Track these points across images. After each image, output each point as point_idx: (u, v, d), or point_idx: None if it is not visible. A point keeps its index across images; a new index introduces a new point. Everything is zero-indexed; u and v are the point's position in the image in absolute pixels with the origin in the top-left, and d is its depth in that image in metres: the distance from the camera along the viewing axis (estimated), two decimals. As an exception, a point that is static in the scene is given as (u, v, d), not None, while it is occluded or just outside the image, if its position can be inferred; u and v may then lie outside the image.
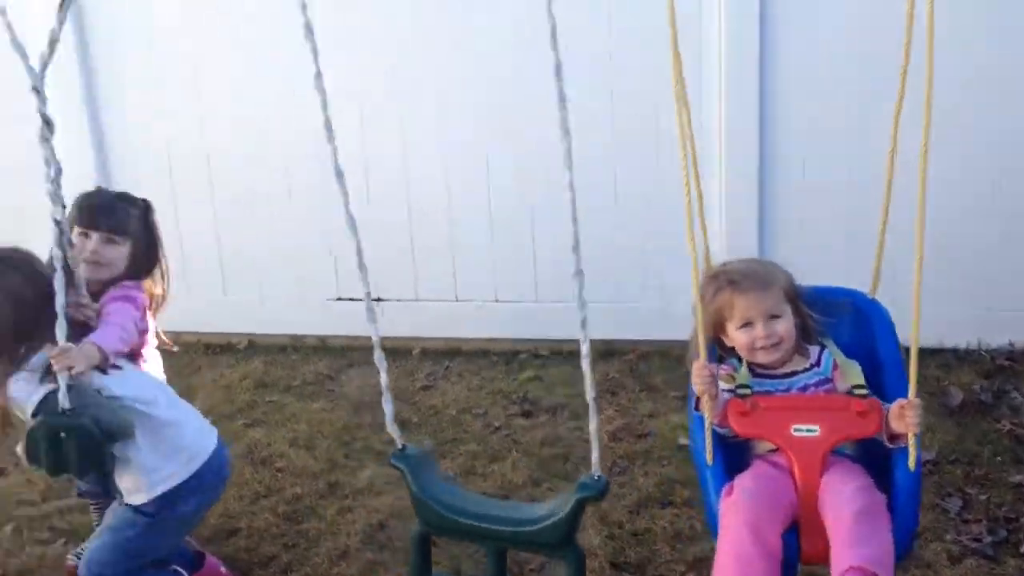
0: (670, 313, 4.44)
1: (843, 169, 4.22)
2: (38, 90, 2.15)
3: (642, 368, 4.38)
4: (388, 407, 2.27)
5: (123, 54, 4.74)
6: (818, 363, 2.39)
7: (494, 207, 4.59)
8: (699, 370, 2.21)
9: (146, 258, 2.79)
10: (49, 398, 2.29)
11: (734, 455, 2.32)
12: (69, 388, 2.26)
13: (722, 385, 2.33)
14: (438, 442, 3.78)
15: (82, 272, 2.59)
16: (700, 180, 2.41)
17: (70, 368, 2.25)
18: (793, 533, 2.13)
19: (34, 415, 2.30)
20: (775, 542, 2.05)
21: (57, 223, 2.28)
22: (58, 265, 2.28)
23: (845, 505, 2.04)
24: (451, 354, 4.67)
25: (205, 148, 4.78)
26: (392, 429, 2.30)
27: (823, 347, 2.43)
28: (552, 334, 4.67)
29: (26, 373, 2.32)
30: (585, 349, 2.13)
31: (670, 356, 4.33)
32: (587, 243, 4.51)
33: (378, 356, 2.27)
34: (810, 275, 2.55)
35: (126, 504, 2.54)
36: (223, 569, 2.90)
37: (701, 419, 2.25)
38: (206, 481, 2.59)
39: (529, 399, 4.16)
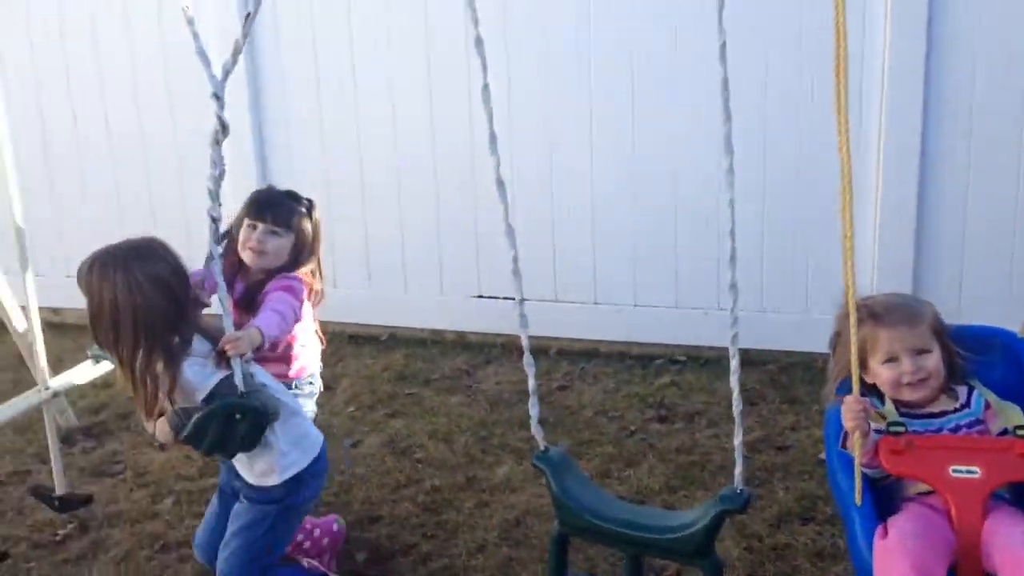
0: (813, 323, 4.35)
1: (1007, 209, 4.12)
2: (218, 96, 2.25)
3: (783, 379, 4.30)
4: (534, 411, 2.29)
5: (289, 63, 4.94)
6: (968, 403, 2.27)
7: (639, 212, 4.58)
8: (852, 404, 2.10)
9: (307, 252, 2.95)
10: (224, 382, 2.42)
11: (881, 496, 2.22)
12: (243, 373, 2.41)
13: (871, 424, 2.21)
14: (574, 443, 3.80)
15: (247, 260, 2.76)
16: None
17: (242, 354, 2.38)
18: None
19: (208, 399, 2.43)
20: None
21: (214, 220, 2.37)
22: (216, 255, 2.40)
23: (1022, 548, 1.94)
24: (588, 355, 4.69)
25: (359, 152, 4.93)
26: (536, 431, 2.33)
27: (971, 387, 2.31)
28: (690, 340, 4.65)
29: (199, 359, 2.45)
30: (735, 364, 2.09)
31: (813, 368, 4.24)
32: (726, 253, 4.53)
33: (527, 360, 2.29)
34: (965, 314, 2.49)
35: (254, 493, 2.59)
36: None
37: (844, 458, 2.16)
38: (319, 468, 2.69)
39: (666, 404, 4.15)
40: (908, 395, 2.27)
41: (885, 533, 2.05)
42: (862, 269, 4.35)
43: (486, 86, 2.18)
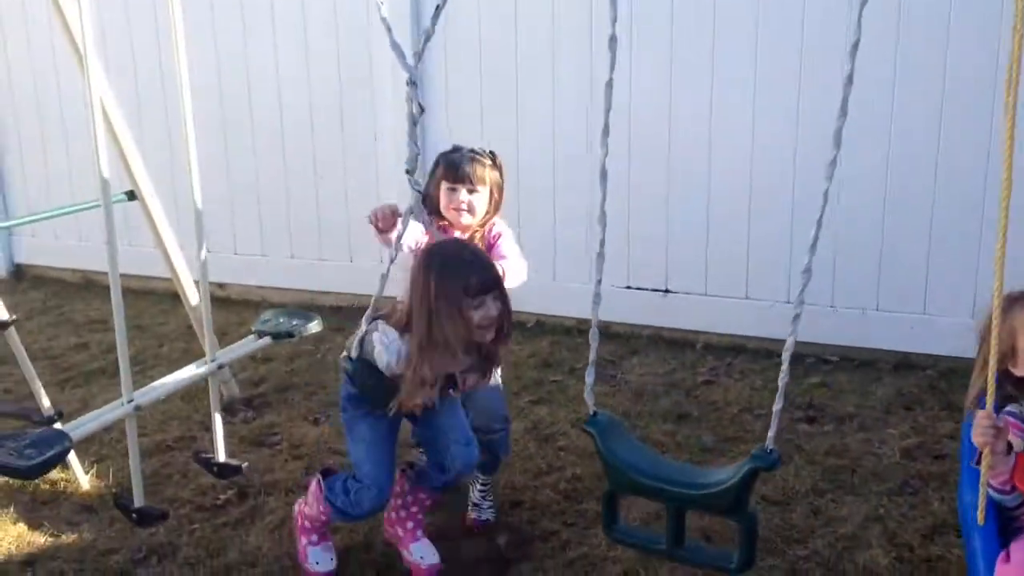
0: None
1: None
2: (415, 82, 2.39)
3: (943, 385, 4.12)
4: (590, 378, 2.39)
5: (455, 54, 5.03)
6: None
7: (795, 208, 4.47)
8: (981, 420, 1.99)
9: (498, 201, 3.16)
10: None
11: (1008, 519, 2.12)
12: None
13: (1013, 440, 2.09)
14: (718, 439, 3.76)
15: (452, 220, 3.08)
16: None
17: None
18: None
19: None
20: None
21: (420, 193, 2.57)
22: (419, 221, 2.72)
23: None
24: (735, 351, 4.62)
25: (517, 148, 4.94)
26: (589, 397, 2.40)
27: None
28: (842, 340, 4.51)
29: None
30: (790, 342, 2.13)
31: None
32: (895, 252, 4.38)
33: (593, 332, 2.36)
34: None
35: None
36: None
37: (972, 473, 2.06)
38: None
39: (814, 405, 4.03)
40: None
41: (1008, 558, 1.93)
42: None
43: (610, 81, 2.22)
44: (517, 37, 4.89)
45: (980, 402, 2.11)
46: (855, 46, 1.92)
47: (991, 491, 2.07)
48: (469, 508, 3.26)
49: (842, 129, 2.02)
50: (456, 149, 3.19)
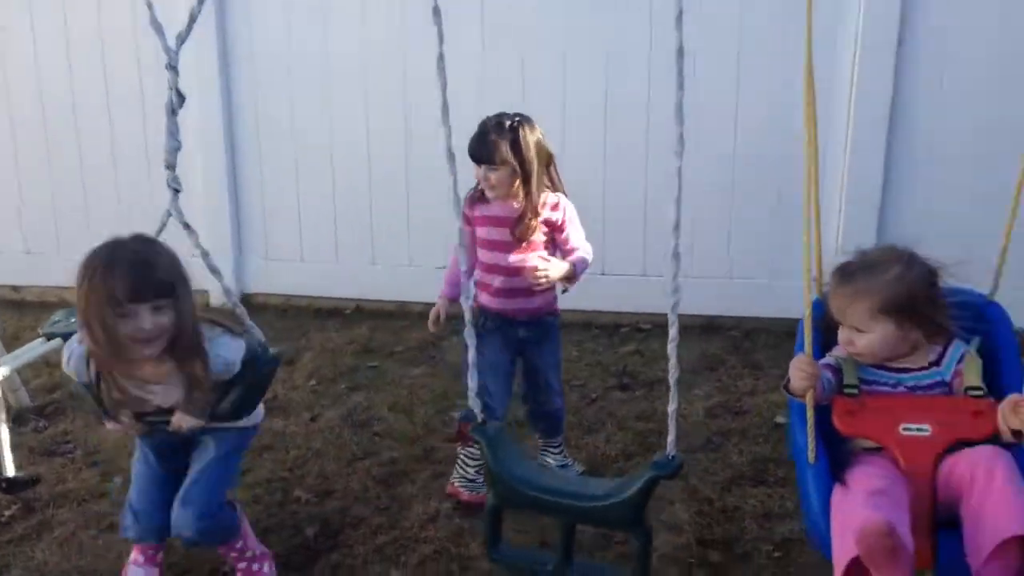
0: (777, 289, 4.35)
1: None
2: (173, 67, 2.26)
3: (746, 345, 4.28)
4: (472, 382, 2.27)
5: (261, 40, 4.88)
6: (938, 363, 2.21)
7: (609, 183, 4.55)
8: (801, 365, 2.08)
9: (534, 169, 3.04)
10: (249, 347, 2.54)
11: (838, 455, 2.18)
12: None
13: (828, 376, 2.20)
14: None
15: (489, 196, 3.07)
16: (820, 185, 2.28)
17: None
18: None
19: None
20: (909, 543, 1.87)
21: (175, 191, 2.42)
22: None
23: (988, 476, 1.91)
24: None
25: (330, 122, 4.89)
26: (474, 403, 2.31)
27: (950, 346, 2.23)
28: (656, 307, 4.59)
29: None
30: (673, 332, 2.05)
31: (776, 333, 4.22)
32: (697, 218, 4.53)
33: (468, 331, 2.27)
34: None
35: (238, 428, 2.67)
36: None
37: (803, 416, 2.13)
38: None
39: (628, 372, 4.12)
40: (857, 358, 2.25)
41: (846, 487, 2.01)
42: (828, 233, 4.34)
43: (441, 56, 2.15)
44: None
45: (798, 345, 2.20)
46: (679, 18, 1.91)
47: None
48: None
49: (682, 102, 1.97)
50: (482, 123, 3.08)
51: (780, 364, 3.78)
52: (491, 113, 3.08)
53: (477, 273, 3.18)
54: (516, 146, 3.00)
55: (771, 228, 4.40)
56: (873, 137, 4.25)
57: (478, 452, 3.20)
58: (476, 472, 3.17)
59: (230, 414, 2.57)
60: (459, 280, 3.15)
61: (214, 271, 2.53)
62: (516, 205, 3.07)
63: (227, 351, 2.47)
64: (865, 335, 2.17)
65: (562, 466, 3.31)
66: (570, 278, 3.08)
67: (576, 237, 3.13)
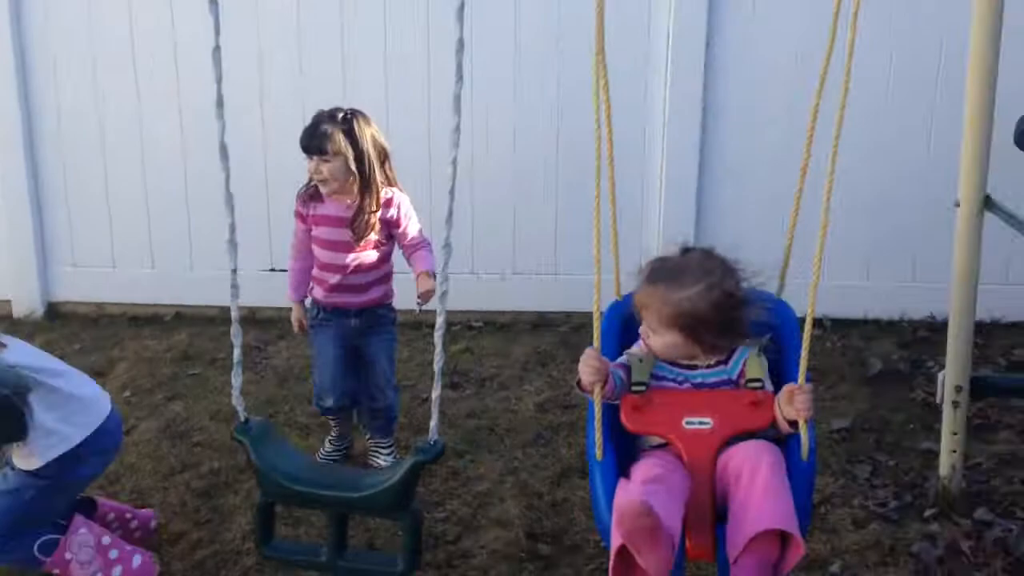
0: (604, 284, 4.41)
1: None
2: None
3: (575, 339, 4.33)
4: (236, 380, 2.24)
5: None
6: (726, 362, 2.23)
7: (437, 179, 4.49)
8: (588, 360, 2.08)
9: (369, 162, 3.00)
10: None
11: (629, 451, 2.20)
12: None
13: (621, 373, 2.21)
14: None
15: (322, 190, 3.04)
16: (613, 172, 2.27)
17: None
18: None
19: None
20: (675, 527, 1.91)
21: None
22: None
23: (753, 472, 1.95)
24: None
25: (140, 122, 4.66)
26: (237, 402, 2.26)
27: (741, 347, 2.25)
28: (488, 305, 4.62)
29: None
30: (440, 322, 2.12)
31: (603, 327, 4.29)
32: (524, 214, 4.57)
33: (234, 330, 2.23)
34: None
35: (20, 470, 2.50)
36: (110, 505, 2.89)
37: (593, 411, 2.13)
38: (104, 444, 2.60)
39: (459, 371, 4.10)
40: None
41: (628, 478, 2.03)
42: (650, 227, 4.46)
43: (217, 47, 2.05)
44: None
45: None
46: (460, 9, 1.89)
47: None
48: None
49: (460, 96, 1.99)
50: (316, 114, 3.01)
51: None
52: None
53: (314, 270, 3.17)
54: (351, 137, 2.97)
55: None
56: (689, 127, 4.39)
57: (335, 431, 3.32)
58: (331, 443, 3.32)
59: None
60: (302, 280, 3.19)
61: None
62: (350, 202, 3.03)
63: None
64: (656, 336, 2.20)
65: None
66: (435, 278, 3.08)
67: (414, 229, 3.12)
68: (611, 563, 1.90)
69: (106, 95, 4.63)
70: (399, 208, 3.08)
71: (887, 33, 4.18)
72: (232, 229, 2.19)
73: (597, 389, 2.08)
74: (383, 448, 3.32)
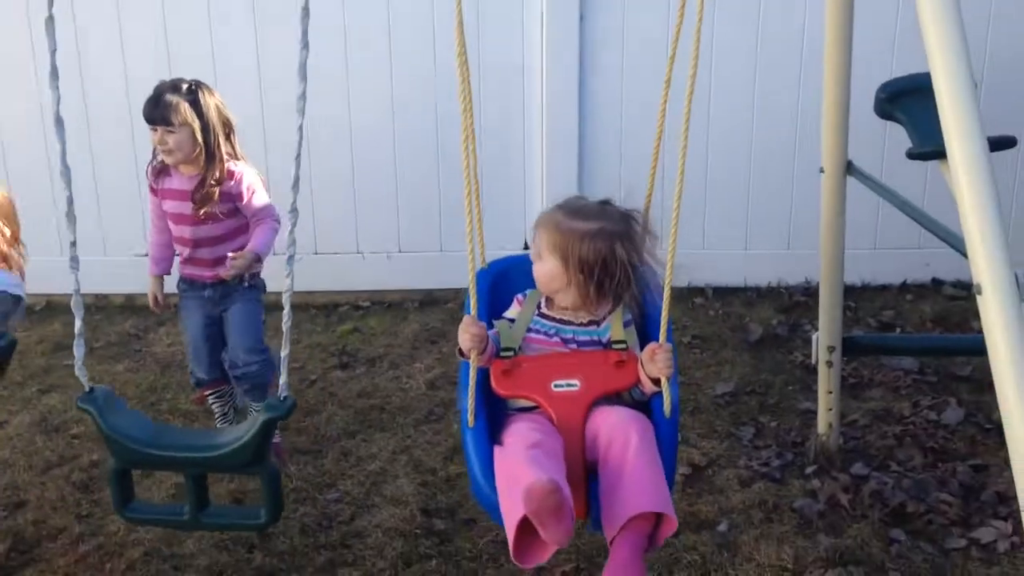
0: (488, 259, 4.43)
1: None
2: None
3: (462, 315, 4.32)
4: (79, 351, 2.17)
5: None
6: (598, 323, 2.25)
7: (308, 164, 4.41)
8: (467, 326, 2.09)
9: (207, 135, 2.97)
10: None
11: (500, 419, 2.20)
12: None
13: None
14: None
15: (167, 161, 3.02)
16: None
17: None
18: None
19: None
20: (567, 490, 1.89)
21: None
22: None
23: (624, 443, 1.98)
24: (269, 308, 4.47)
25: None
26: (80, 372, 2.20)
27: (615, 311, 2.26)
28: (375, 284, 4.58)
29: None
30: (287, 297, 2.10)
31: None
32: (410, 193, 4.54)
33: (75, 302, 2.15)
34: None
35: None
36: None
37: (467, 378, 2.14)
38: None
39: (347, 351, 4.05)
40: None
41: (502, 444, 2.04)
42: (533, 193, 4.49)
43: (50, 17, 1.96)
44: None
45: (466, 308, 2.19)
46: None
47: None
48: None
49: (305, 63, 1.97)
50: (158, 85, 2.95)
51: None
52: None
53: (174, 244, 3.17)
54: (197, 107, 2.95)
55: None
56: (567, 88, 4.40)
57: (216, 408, 3.32)
58: (221, 424, 3.31)
59: None
60: (162, 255, 3.16)
61: None
62: (195, 174, 3.01)
63: None
64: (539, 262, 2.22)
65: None
66: (259, 259, 3.06)
67: (259, 201, 3.09)
68: (511, 536, 1.90)
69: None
70: (240, 181, 3.04)
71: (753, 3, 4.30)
72: (69, 202, 2.10)
73: (473, 355, 2.08)
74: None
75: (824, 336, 3.01)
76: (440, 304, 4.49)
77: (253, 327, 3.18)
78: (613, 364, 2.14)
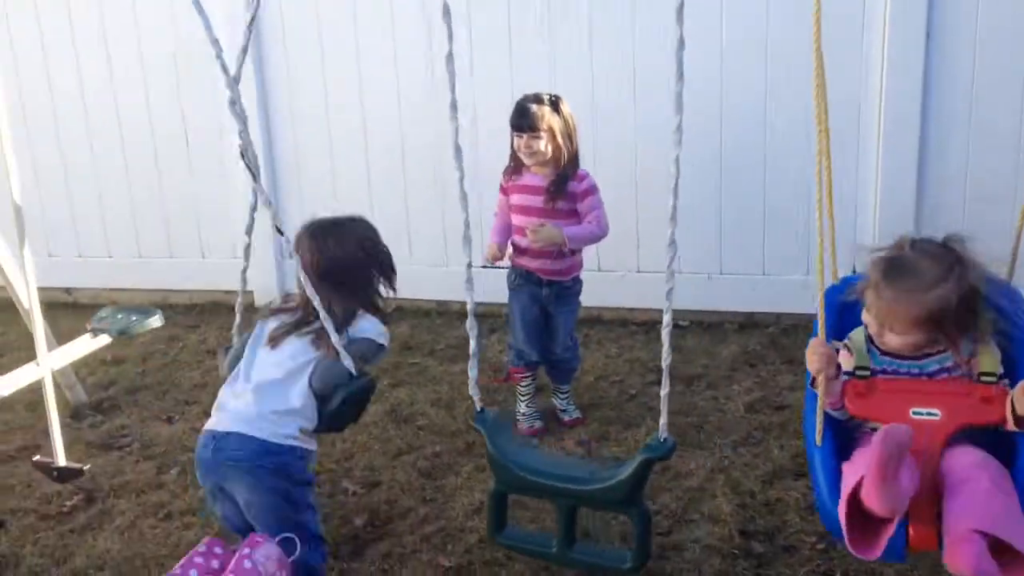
0: (812, 286, 4.35)
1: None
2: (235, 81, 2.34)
3: (784, 341, 4.31)
4: (472, 372, 2.34)
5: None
6: (932, 354, 2.21)
7: (639, 180, 4.59)
8: (816, 348, 2.13)
9: (569, 145, 3.46)
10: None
11: (845, 440, 2.22)
12: None
13: (843, 366, 2.23)
14: (575, 406, 3.84)
15: (526, 161, 3.47)
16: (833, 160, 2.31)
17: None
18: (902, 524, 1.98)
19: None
20: (906, 503, 1.92)
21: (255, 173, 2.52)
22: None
23: (978, 472, 1.94)
24: (591, 322, 4.71)
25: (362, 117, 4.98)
26: (474, 392, 2.37)
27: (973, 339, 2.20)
28: (692, 304, 4.65)
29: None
30: (667, 319, 2.25)
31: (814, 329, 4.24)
32: (734, 213, 4.56)
33: (470, 323, 2.34)
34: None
35: None
36: None
37: (813, 399, 2.17)
38: None
39: (666, 369, 4.15)
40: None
41: (852, 461, 2.05)
42: (864, 227, 4.37)
43: (450, 54, 2.21)
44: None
45: (814, 331, 2.23)
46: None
47: (827, 409, 2.19)
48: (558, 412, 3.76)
49: (682, 94, 2.15)
50: (523, 97, 3.44)
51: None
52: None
53: (513, 236, 3.62)
54: (558, 115, 3.37)
55: (806, 224, 4.41)
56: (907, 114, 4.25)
57: (525, 389, 3.70)
58: (527, 406, 3.72)
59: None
60: (502, 228, 3.67)
61: None
62: (547, 173, 3.45)
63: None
64: (895, 336, 2.19)
65: (562, 410, 3.76)
66: (565, 242, 3.42)
67: (594, 204, 3.47)
68: (843, 506, 1.93)
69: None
70: (584, 181, 3.47)
71: None
72: (467, 225, 2.34)
73: (821, 377, 2.11)
74: (561, 393, 3.78)
75: None
76: (760, 328, 4.48)
77: (573, 323, 3.64)
78: (979, 399, 2.08)
